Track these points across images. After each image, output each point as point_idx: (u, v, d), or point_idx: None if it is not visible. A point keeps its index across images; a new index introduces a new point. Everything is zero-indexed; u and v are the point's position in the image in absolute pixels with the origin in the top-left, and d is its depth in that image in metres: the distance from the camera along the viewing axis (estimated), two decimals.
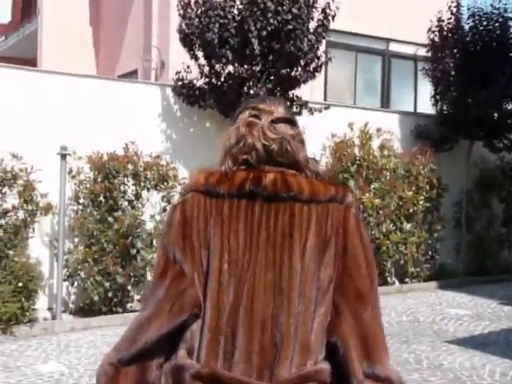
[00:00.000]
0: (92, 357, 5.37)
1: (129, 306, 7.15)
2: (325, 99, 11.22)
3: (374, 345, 1.61)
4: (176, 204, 1.74)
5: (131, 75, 11.14)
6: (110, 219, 6.94)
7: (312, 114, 8.37)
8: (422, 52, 10.97)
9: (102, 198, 7.02)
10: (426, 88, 10.89)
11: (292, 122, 1.73)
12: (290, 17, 7.47)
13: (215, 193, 1.67)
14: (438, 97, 9.97)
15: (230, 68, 7.76)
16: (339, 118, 8.99)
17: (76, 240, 7.06)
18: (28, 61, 12.88)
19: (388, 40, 12.72)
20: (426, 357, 5.53)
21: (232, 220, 1.64)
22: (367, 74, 13.08)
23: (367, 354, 1.59)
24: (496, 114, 9.66)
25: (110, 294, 6.86)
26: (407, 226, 9.02)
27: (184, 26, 7.73)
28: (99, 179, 7.00)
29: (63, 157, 6.63)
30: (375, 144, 9.06)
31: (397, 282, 9.19)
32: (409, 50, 12.78)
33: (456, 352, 5.70)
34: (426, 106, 11.13)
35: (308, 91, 9.53)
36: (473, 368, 5.21)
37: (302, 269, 1.60)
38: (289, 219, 1.63)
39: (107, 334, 6.18)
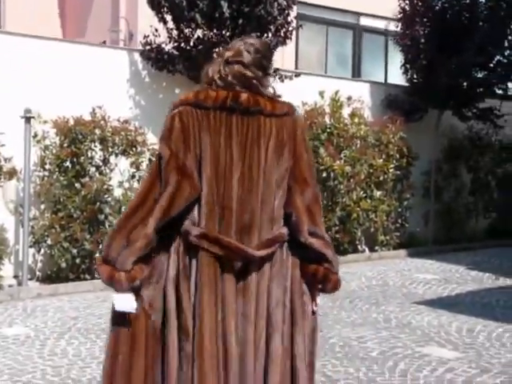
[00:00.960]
0: (59, 320, 5.29)
1: (97, 273, 7.06)
2: (296, 69, 11.16)
3: (315, 214, 2.26)
4: (173, 114, 2.20)
5: None
6: (77, 185, 6.82)
7: (282, 81, 8.30)
8: (393, 27, 10.94)
9: (68, 164, 6.88)
10: (396, 61, 10.88)
11: (266, 57, 2.31)
12: None
13: (203, 106, 2.18)
14: (407, 66, 9.97)
15: (199, 32, 7.64)
16: (310, 86, 8.94)
17: (42, 206, 6.92)
18: None
19: (359, 14, 12.67)
20: (395, 316, 5.57)
21: (216, 127, 2.18)
22: (338, 48, 13.04)
23: (311, 220, 2.24)
24: (466, 83, 9.71)
25: (77, 261, 6.77)
26: (377, 194, 9.05)
27: None
28: (65, 144, 6.86)
29: (27, 120, 6.46)
30: (346, 112, 9.04)
31: (367, 250, 9.25)
32: (380, 24, 12.76)
33: (424, 312, 5.75)
34: (397, 80, 11.15)
35: (279, 61, 9.45)
36: (440, 326, 5.26)
37: (265, 162, 2.21)
38: (257, 128, 2.21)
39: (75, 300, 6.10)
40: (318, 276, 2.30)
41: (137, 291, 2.18)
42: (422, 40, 9.59)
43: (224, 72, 2.22)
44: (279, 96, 2.33)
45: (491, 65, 9.88)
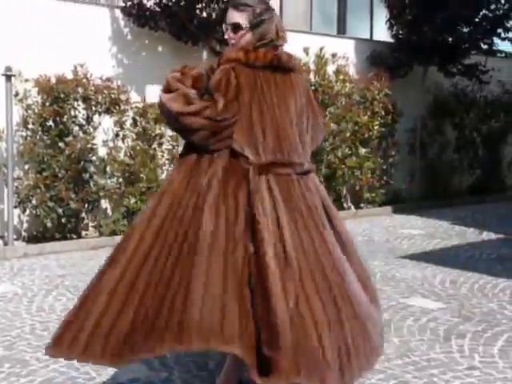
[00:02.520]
0: (46, 278, 5.31)
1: (84, 233, 7.07)
2: None
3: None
4: (227, 68, 2.57)
5: None
6: (61, 144, 6.77)
7: None
8: None
9: (51, 123, 6.81)
10: (381, 18, 10.78)
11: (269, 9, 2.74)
12: None
13: (252, 65, 2.61)
14: (392, 21, 9.90)
15: None
16: (294, 43, 8.71)
17: (26, 166, 6.87)
18: None
19: None
20: (380, 270, 5.64)
21: (263, 83, 2.62)
22: (323, 5, 12.87)
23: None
24: (451, 39, 9.66)
25: (63, 220, 6.76)
26: (362, 151, 9.07)
27: None
28: (48, 103, 6.77)
29: (8, 78, 6.36)
30: (330, 69, 8.98)
31: (352, 208, 9.30)
32: None
33: (408, 265, 5.83)
34: (383, 37, 11.06)
35: None
36: (424, 278, 5.34)
37: (295, 109, 2.71)
38: (290, 82, 2.72)
39: (61, 258, 6.12)
40: None
41: None
42: None
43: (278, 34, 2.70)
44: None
45: (476, 19, 9.82)
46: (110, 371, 3.30)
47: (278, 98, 2.63)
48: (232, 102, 2.53)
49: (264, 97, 2.59)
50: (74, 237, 6.83)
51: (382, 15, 10.70)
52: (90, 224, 7.20)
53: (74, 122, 6.92)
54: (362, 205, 9.29)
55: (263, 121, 2.57)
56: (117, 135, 7.28)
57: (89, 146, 6.87)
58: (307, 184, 2.65)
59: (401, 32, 9.92)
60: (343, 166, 8.81)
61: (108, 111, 7.10)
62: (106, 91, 7.03)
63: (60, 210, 6.69)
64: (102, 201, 7.22)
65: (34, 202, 6.70)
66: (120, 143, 7.31)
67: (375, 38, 12.22)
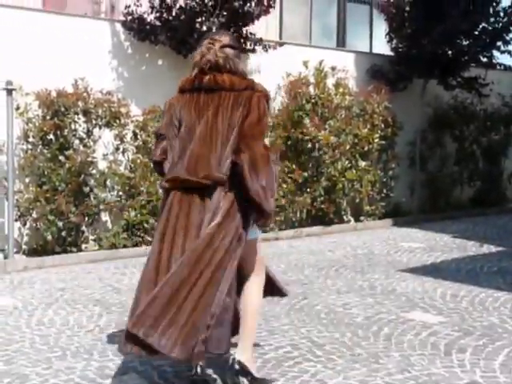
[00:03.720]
0: (46, 291, 5.30)
1: (84, 246, 7.06)
2: (280, 40, 11.08)
3: (260, 167, 2.98)
4: (168, 100, 3.30)
5: None
6: (62, 158, 6.78)
7: (266, 51, 8.27)
8: None
9: (52, 136, 6.83)
10: (381, 31, 10.84)
11: (233, 47, 3.23)
12: None
13: (184, 90, 3.23)
14: (392, 34, 9.94)
15: (182, 2, 7.54)
16: (294, 56, 8.89)
17: (27, 179, 6.87)
18: None
19: None
20: (380, 284, 5.62)
21: (191, 103, 3.17)
22: (323, 18, 12.95)
23: (253, 171, 2.96)
24: (450, 52, 9.69)
25: (63, 234, 6.75)
26: (362, 164, 9.08)
27: None
28: (48, 117, 6.80)
29: (9, 92, 6.38)
30: (330, 82, 9.01)
31: (352, 221, 9.29)
32: None
33: (409, 279, 5.81)
34: (382, 50, 11.10)
35: (263, 31, 9.39)
36: (425, 292, 5.33)
37: (222, 126, 3.07)
38: (218, 100, 3.12)
39: (62, 272, 6.11)
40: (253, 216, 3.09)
41: None
42: (407, 8, 9.54)
43: (220, 53, 3.16)
44: (245, 76, 3.22)
45: (476, 32, 9.85)
46: None
47: (199, 113, 3.13)
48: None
49: (187, 114, 3.17)
50: (74, 250, 6.82)
51: (381, 28, 10.76)
52: (90, 237, 7.19)
53: (74, 135, 6.93)
54: (362, 218, 9.27)
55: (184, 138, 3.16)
56: (117, 149, 7.29)
57: (89, 159, 6.88)
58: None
59: (400, 45, 9.96)
60: (343, 179, 8.81)
61: (108, 125, 7.12)
62: (106, 105, 7.05)
63: (60, 224, 6.69)
64: (102, 214, 7.21)
65: (34, 215, 6.70)
66: (120, 156, 7.32)
67: (375, 51, 12.29)
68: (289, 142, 8.55)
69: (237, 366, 3.09)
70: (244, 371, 3.09)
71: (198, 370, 3.08)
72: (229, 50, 3.18)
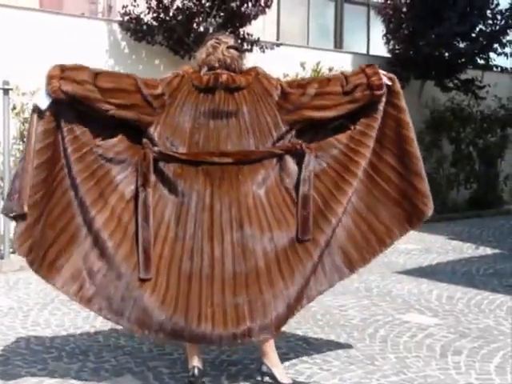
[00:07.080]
0: (41, 292, 5.28)
1: None
2: (277, 41, 11.08)
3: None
4: (177, 73, 3.20)
5: None
6: None
7: (263, 51, 8.26)
8: None
9: None
10: (378, 32, 10.84)
11: (237, 49, 3.31)
12: None
13: (194, 85, 3.17)
14: (389, 36, 9.95)
15: (179, 2, 7.54)
16: (291, 57, 8.90)
17: None
18: None
19: None
20: (376, 285, 5.63)
21: (204, 101, 3.16)
22: (320, 19, 12.95)
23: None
24: (447, 54, 9.70)
25: None
26: None
27: None
28: None
29: (6, 92, 6.36)
30: None
31: None
32: None
33: (405, 281, 5.82)
34: (379, 51, 11.12)
35: (260, 32, 9.38)
36: (421, 294, 5.33)
37: (249, 114, 3.19)
38: (232, 99, 3.19)
39: None
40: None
41: None
42: (404, 9, 9.55)
43: (227, 53, 3.24)
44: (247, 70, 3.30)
45: (473, 34, 9.88)
46: None
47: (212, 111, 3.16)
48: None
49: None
50: None
51: (378, 30, 10.77)
52: None
53: None
54: None
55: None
56: None
57: None
58: None
59: (397, 47, 9.98)
60: None
61: None
62: None
63: None
64: None
65: None
66: None
67: (372, 52, 12.29)
68: None
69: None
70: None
71: (196, 371, 3.07)
72: (234, 51, 3.25)
